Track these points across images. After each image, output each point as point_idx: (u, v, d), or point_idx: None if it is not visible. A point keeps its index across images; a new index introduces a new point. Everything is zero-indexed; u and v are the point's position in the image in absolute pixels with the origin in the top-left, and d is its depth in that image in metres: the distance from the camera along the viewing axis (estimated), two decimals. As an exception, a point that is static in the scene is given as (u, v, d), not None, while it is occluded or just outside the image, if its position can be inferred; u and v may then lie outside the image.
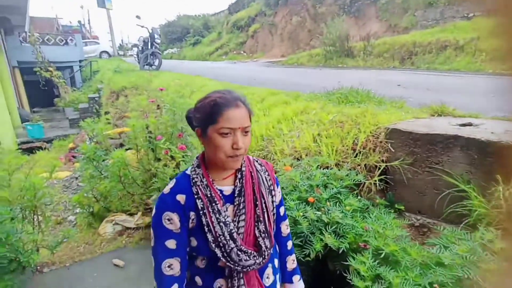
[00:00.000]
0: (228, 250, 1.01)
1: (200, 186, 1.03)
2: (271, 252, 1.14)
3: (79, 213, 4.31)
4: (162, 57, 11.34)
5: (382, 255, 1.64)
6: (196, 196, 1.02)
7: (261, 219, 1.08)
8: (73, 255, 3.37)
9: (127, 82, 7.05)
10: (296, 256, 1.67)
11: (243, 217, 1.05)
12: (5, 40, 11.29)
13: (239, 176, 1.08)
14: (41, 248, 2.90)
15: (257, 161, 1.18)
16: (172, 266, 1.03)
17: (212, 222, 1.01)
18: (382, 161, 2.25)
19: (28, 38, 12.04)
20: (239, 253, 1.02)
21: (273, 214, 1.14)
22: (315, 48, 13.22)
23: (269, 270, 1.17)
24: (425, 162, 2.05)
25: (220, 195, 1.04)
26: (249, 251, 1.04)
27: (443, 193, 1.93)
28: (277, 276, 1.24)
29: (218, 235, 1.01)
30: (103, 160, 3.68)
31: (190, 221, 1.02)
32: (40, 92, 12.48)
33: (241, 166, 1.08)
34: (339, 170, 2.20)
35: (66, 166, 6.68)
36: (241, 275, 1.05)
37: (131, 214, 3.86)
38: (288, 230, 1.31)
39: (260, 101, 3.88)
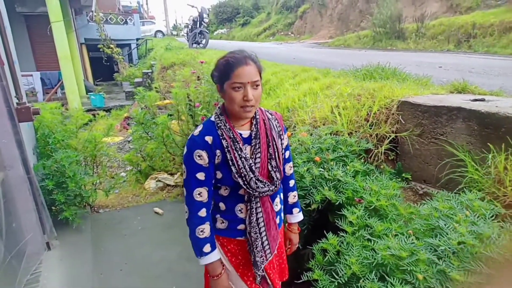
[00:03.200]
0: (248, 180, 1.24)
1: (224, 130, 1.24)
2: (280, 183, 1.39)
3: (129, 170, 4.99)
4: (212, 37, 11.88)
5: (372, 208, 1.85)
6: (221, 137, 1.23)
7: (273, 156, 1.32)
8: (122, 202, 4.01)
9: (176, 59, 7.64)
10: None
11: (259, 155, 1.28)
12: (75, 19, 12.62)
13: (254, 123, 1.29)
14: (98, 190, 3.53)
15: (268, 111, 1.41)
16: (202, 194, 1.26)
17: (235, 158, 1.23)
18: (392, 132, 2.40)
19: (94, 17, 13.27)
20: (256, 182, 1.25)
21: (282, 154, 1.38)
22: (365, 30, 12.74)
23: (277, 200, 1.43)
24: (431, 133, 2.17)
25: (240, 137, 1.27)
26: (264, 180, 1.29)
27: (444, 162, 2.05)
28: (282, 207, 1.52)
29: (240, 168, 1.23)
30: (150, 125, 4.23)
31: (216, 157, 1.24)
32: (103, 67, 13.89)
33: (256, 115, 1.30)
34: (350, 138, 2.40)
35: (121, 132, 7.54)
36: (258, 200, 1.30)
37: (171, 174, 4.40)
38: (291, 171, 1.55)
39: (292, 77, 4.09)
